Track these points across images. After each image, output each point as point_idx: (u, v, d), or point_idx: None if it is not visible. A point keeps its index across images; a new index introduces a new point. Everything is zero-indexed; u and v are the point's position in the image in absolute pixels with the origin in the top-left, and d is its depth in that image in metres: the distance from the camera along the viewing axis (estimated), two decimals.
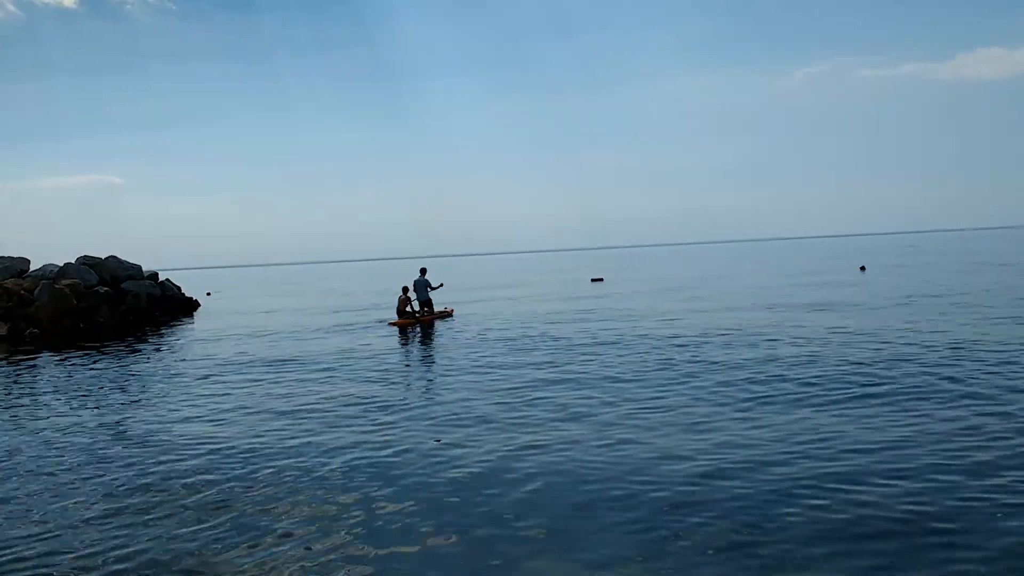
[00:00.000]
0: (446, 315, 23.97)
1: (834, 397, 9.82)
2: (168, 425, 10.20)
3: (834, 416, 8.86)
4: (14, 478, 7.98)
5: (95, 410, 11.56)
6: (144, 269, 32.41)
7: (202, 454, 8.55)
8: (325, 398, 11.58)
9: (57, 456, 8.80)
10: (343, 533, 5.99)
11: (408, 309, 22.76)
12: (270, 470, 7.78)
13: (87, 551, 5.86)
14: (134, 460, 8.44)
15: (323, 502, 6.73)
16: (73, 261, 30.01)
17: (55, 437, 9.79)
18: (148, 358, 17.71)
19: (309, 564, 5.44)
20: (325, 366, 14.94)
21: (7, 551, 5.93)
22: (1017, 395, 9.38)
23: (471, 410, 10.17)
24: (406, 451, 8.26)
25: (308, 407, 10.95)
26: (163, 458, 8.46)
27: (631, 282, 42.56)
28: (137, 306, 30.16)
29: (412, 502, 6.60)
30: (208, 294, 48.37)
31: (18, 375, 15.98)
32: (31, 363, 17.79)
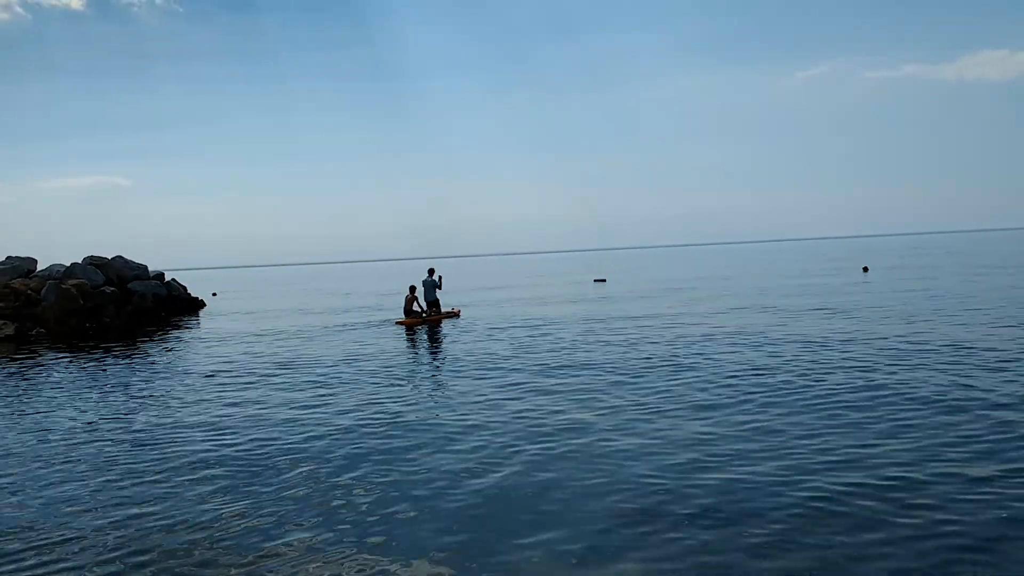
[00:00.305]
0: (453, 315, 24.12)
1: (823, 400, 9.95)
2: (174, 423, 10.34)
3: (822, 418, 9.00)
4: (17, 473, 8.14)
5: (101, 409, 11.70)
6: (150, 269, 32.64)
7: (208, 451, 8.69)
8: (332, 395, 11.72)
9: (62, 453, 8.94)
10: (350, 526, 6.13)
11: (415, 308, 22.93)
12: (275, 466, 7.92)
13: (92, 543, 6.01)
14: (139, 457, 8.58)
15: (329, 496, 6.86)
16: (80, 261, 30.23)
17: (60, 435, 9.93)
18: (154, 357, 17.88)
19: (316, 556, 5.59)
20: (332, 364, 15.08)
21: (8, 539, 6.10)
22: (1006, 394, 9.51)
23: (476, 407, 10.30)
24: (413, 447, 8.39)
25: (314, 404, 11.09)
26: (168, 456, 8.60)
27: (633, 283, 42.65)
28: (143, 306, 30.37)
29: (418, 496, 6.74)
30: (214, 294, 48.58)
31: (24, 374, 16.15)
32: (37, 362, 17.97)
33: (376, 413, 10.34)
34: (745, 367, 12.41)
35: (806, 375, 11.44)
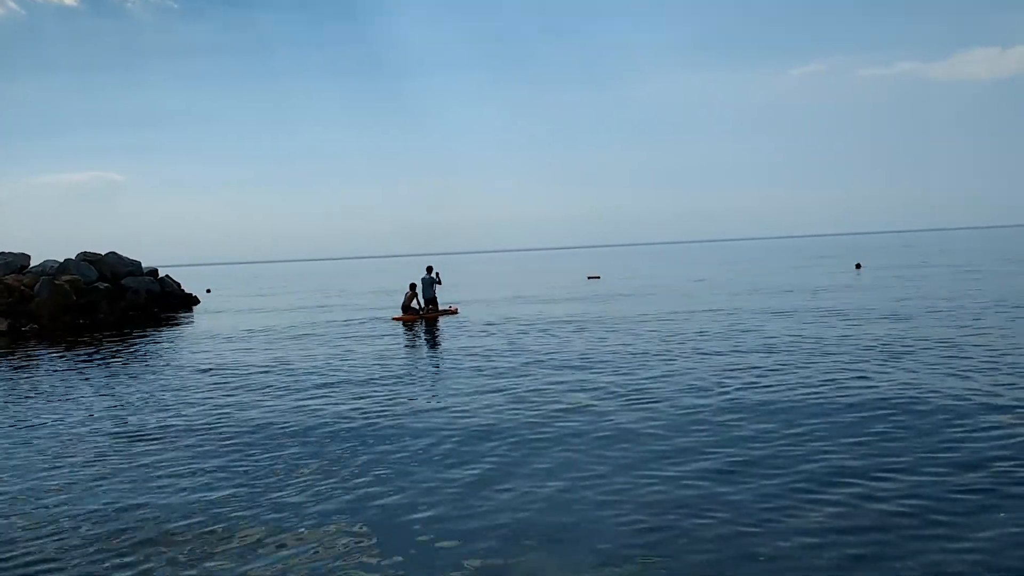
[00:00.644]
0: (450, 313, 24.18)
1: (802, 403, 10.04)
2: (166, 419, 10.37)
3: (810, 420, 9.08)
4: (9, 468, 8.17)
5: (93, 404, 11.72)
6: (144, 265, 32.59)
7: (200, 449, 8.74)
8: (327, 391, 11.74)
9: (54, 448, 8.97)
10: (345, 521, 6.18)
11: (413, 305, 23.02)
12: (270, 458, 7.97)
13: (84, 537, 6.05)
14: (132, 451, 8.62)
15: (323, 490, 6.91)
16: (73, 257, 30.17)
17: (53, 430, 9.95)
18: (147, 354, 17.89)
19: (314, 552, 5.64)
20: (327, 360, 15.10)
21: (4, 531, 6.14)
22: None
23: (472, 404, 10.36)
24: (409, 442, 8.44)
25: (311, 399, 11.12)
26: (159, 451, 8.65)
27: (626, 280, 42.74)
28: (137, 302, 30.34)
29: (412, 490, 6.80)
30: (208, 291, 48.49)
31: (17, 370, 16.15)
32: (31, 358, 17.96)
33: (372, 409, 10.37)
34: (736, 365, 12.49)
35: (802, 366, 11.53)
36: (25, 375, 15.28)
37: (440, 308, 23.94)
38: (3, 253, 29.92)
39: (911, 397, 9.44)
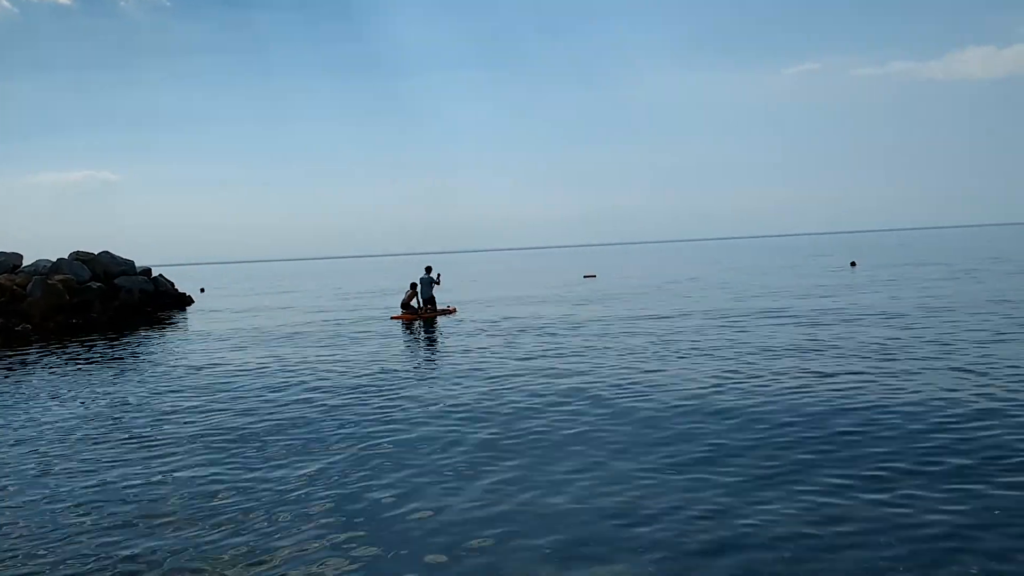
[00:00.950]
0: (449, 313, 24.17)
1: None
2: (159, 418, 10.31)
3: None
4: (1, 467, 8.09)
5: (85, 403, 11.64)
6: (137, 265, 32.45)
7: (191, 446, 8.67)
8: (322, 390, 11.68)
9: (47, 448, 8.90)
10: (337, 522, 6.12)
11: (412, 304, 23.05)
12: (268, 460, 7.91)
13: (77, 537, 5.99)
14: (124, 451, 8.55)
15: (318, 489, 6.85)
16: (66, 256, 30.02)
17: (45, 430, 9.88)
18: (140, 353, 17.79)
19: (306, 553, 5.58)
20: (321, 359, 15.03)
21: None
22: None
23: (471, 402, 10.32)
24: (406, 440, 8.40)
25: (303, 398, 11.07)
26: (152, 450, 8.58)
27: (621, 279, 42.74)
28: (130, 302, 30.21)
29: (412, 490, 6.75)
30: (202, 290, 48.35)
31: (9, 370, 16.03)
32: (22, 358, 17.84)
33: (371, 409, 10.32)
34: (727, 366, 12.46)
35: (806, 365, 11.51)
36: (17, 375, 15.16)
37: (438, 308, 23.95)
38: None
39: (879, 400, 9.42)
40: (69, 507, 6.76)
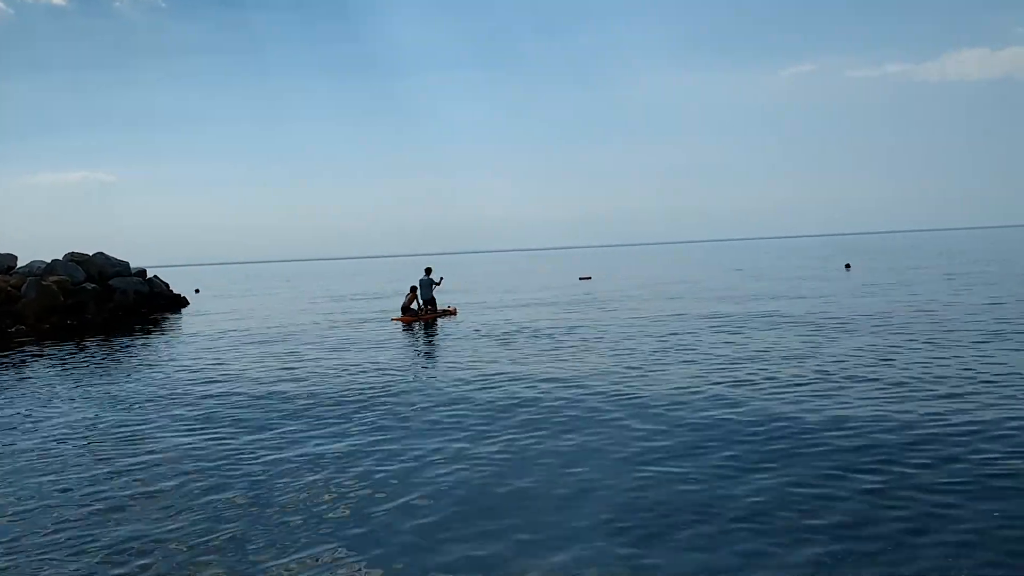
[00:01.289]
0: (449, 314, 24.24)
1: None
2: (153, 420, 10.31)
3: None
4: None
5: (80, 406, 11.63)
6: (132, 266, 32.43)
7: (189, 449, 8.69)
8: (320, 392, 11.68)
9: (40, 450, 8.90)
10: (331, 528, 6.15)
11: (413, 306, 23.13)
12: (265, 460, 7.93)
13: (71, 539, 6.01)
14: (119, 453, 8.56)
15: (316, 493, 6.88)
16: (60, 258, 30.00)
17: (39, 432, 9.88)
18: (135, 355, 17.79)
19: (301, 555, 5.61)
20: (319, 362, 15.04)
21: None
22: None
23: (472, 402, 10.35)
24: (408, 440, 8.42)
25: (298, 402, 11.08)
26: (147, 452, 8.59)
27: (617, 281, 42.79)
28: (125, 303, 30.18)
29: (411, 490, 6.78)
30: (197, 291, 48.34)
31: (3, 371, 16.03)
32: (17, 359, 17.83)
33: (371, 407, 10.35)
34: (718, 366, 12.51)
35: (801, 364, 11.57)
36: (10, 376, 15.15)
37: (439, 309, 24.03)
38: None
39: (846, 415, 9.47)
40: (54, 510, 6.78)
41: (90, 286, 29.05)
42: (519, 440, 8.39)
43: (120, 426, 10.04)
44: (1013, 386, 9.84)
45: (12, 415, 11.14)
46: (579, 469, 7.27)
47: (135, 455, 8.50)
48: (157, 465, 8.06)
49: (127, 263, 32.09)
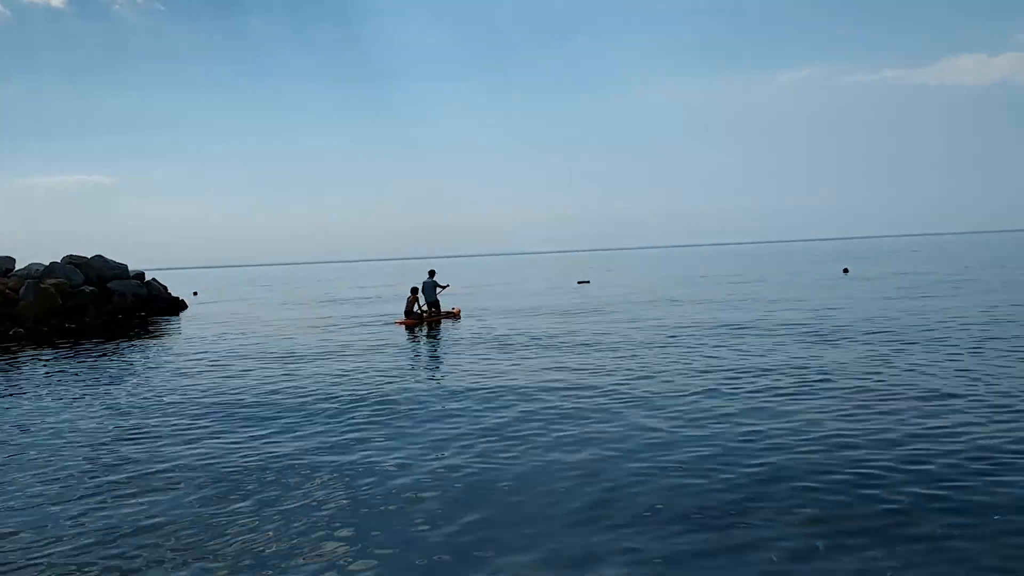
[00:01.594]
0: (453, 315, 24.26)
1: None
2: (151, 424, 10.30)
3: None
4: None
5: (78, 409, 11.63)
6: (131, 269, 32.42)
7: (183, 448, 8.68)
8: (310, 396, 11.69)
9: (39, 454, 8.90)
10: (323, 529, 6.15)
11: (415, 309, 23.09)
12: (249, 461, 7.93)
13: (70, 542, 6.01)
14: (117, 457, 8.55)
15: (315, 497, 6.88)
16: (59, 260, 29.99)
17: (38, 436, 9.88)
18: (133, 358, 17.78)
19: (297, 553, 5.61)
20: (315, 363, 15.05)
21: None
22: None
23: (476, 404, 10.36)
24: (411, 443, 8.43)
25: (298, 405, 11.08)
26: (145, 455, 8.59)
27: (614, 286, 42.80)
28: (123, 306, 30.17)
29: (411, 490, 6.79)
30: (195, 293, 48.30)
31: (1, 374, 16.00)
32: (14, 362, 17.82)
33: (372, 409, 10.35)
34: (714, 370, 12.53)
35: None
36: (8, 380, 15.13)
37: (443, 311, 24.04)
38: None
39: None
40: (62, 508, 6.77)
41: (88, 289, 29.04)
42: (519, 445, 8.40)
43: (119, 428, 10.05)
44: None
45: (9, 418, 11.14)
46: (584, 472, 7.28)
47: (135, 456, 8.50)
48: (157, 466, 8.06)
49: (126, 266, 32.08)
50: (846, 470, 6.94)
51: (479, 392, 11.49)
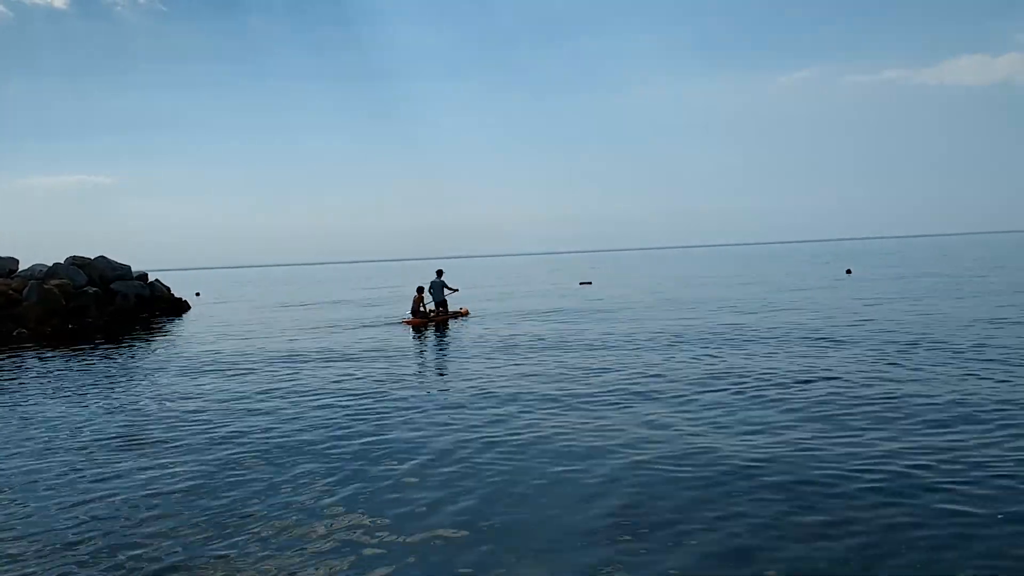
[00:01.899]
0: (461, 315, 24.24)
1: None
2: (154, 424, 10.30)
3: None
4: None
5: (81, 410, 11.61)
6: (134, 270, 32.44)
7: (183, 450, 8.67)
8: (323, 396, 11.67)
9: (43, 454, 8.89)
10: (328, 540, 6.15)
11: (421, 308, 23.07)
12: (252, 461, 7.93)
13: (73, 539, 6.00)
14: (119, 457, 8.55)
15: (316, 497, 6.88)
16: (62, 261, 30.00)
17: (41, 435, 9.87)
18: (136, 358, 17.78)
19: (303, 549, 5.61)
20: (315, 364, 15.04)
21: None
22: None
23: (481, 405, 10.35)
24: (415, 444, 8.42)
25: (300, 406, 11.07)
26: (145, 456, 8.59)
27: (616, 286, 42.80)
28: (126, 307, 30.18)
29: (409, 492, 6.78)
30: (197, 294, 48.36)
31: (5, 375, 16.01)
32: (18, 363, 17.82)
33: (377, 410, 10.34)
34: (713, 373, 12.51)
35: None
36: (11, 380, 15.14)
37: (450, 311, 24.02)
38: None
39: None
40: (50, 513, 6.77)
41: (91, 290, 29.05)
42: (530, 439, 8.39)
43: (120, 428, 10.04)
44: None
45: (12, 418, 11.14)
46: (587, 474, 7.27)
47: (134, 457, 8.49)
48: (156, 467, 8.05)
49: (128, 267, 32.10)
50: (867, 478, 6.83)
51: (487, 397, 11.45)
